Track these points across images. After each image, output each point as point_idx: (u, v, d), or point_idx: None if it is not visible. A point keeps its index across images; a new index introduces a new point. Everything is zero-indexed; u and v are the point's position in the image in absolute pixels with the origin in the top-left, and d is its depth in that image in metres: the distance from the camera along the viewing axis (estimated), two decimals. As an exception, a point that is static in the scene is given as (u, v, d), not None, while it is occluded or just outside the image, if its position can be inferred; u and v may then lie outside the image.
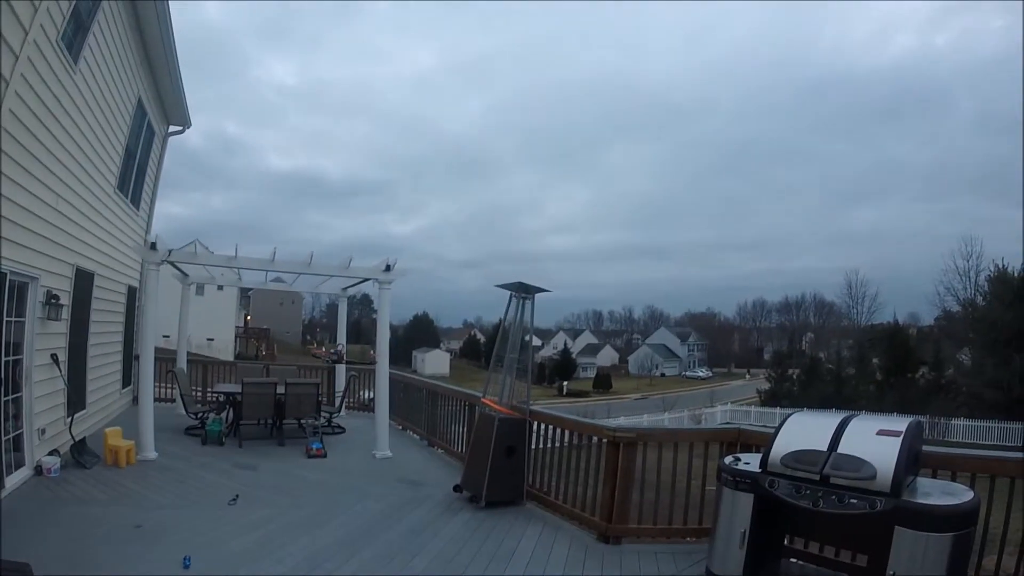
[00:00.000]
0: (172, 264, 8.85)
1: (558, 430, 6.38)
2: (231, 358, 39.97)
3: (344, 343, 12.37)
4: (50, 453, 6.61)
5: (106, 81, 7.63)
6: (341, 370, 11.88)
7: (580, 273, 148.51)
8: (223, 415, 9.32)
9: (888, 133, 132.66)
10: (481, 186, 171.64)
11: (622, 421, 26.16)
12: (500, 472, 6.19)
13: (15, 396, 5.92)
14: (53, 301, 6.49)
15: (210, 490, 6.45)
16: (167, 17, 8.67)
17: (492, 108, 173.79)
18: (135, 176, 9.95)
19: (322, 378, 11.85)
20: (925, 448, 3.92)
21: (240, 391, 9.06)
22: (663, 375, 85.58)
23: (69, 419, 7.17)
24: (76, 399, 7.46)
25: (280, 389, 9.23)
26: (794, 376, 44.59)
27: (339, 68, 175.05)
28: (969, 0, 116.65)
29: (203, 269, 10.66)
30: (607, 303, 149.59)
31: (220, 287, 28.46)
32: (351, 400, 11.92)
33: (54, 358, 6.77)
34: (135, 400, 10.68)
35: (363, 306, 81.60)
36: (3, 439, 5.54)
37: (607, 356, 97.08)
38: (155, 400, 8.30)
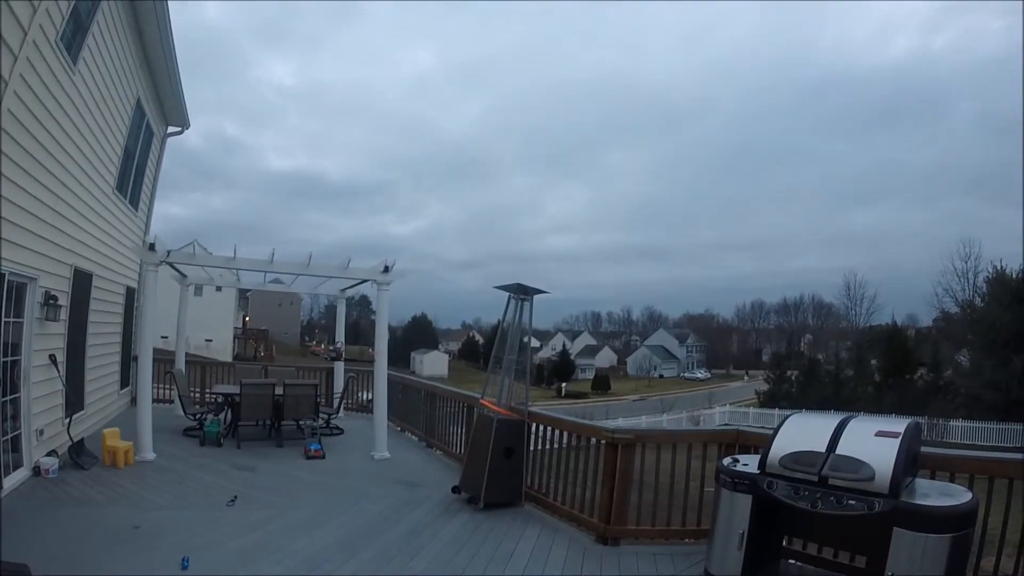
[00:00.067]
0: (171, 265, 8.84)
1: (556, 431, 6.37)
2: (229, 359, 39.89)
3: (343, 341, 12.38)
4: (48, 454, 6.60)
5: (105, 81, 7.62)
6: (339, 371, 11.88)
7: (579, 274, 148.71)
8: (221, 416, 9.31)
9: (887, 134, 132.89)
10: (480, 187, 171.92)
11: (620, 422, 26.16)
12: (498, 473, 6.18)
13: (13, 397, 5.91)
14: (51, 302, 6.48)
15: (208, 491, 6.44)
16: (166, 18, 8.68)
17: (491, 109, 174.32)
18: (134, 176, 9.94)
19: (320, 379, 11.85)
20: (923, 449, 3.93)
21: (238, 392, 9.05)
22: (661, 376, 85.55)
23: (67, 420, 7.16)
24: (74, 400, 7.45)
25: (278, 390, 9.22)
26: (792, 377, 44.53)
27: (338, 69, 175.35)
28: (968, 0, 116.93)
29: (202, 270, 10.65)
30: (606, 304, 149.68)
31: (219, 288, 28.52)
32: (349, 401, 11.90)
33: (52, 359, 6.76)
34: (133, 401, 10.67)
35: (362, 307, 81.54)
36: (1, 440, 5.54)
37: (606, 357, 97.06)
38: (153, 401, 8.30)
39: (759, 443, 4.72)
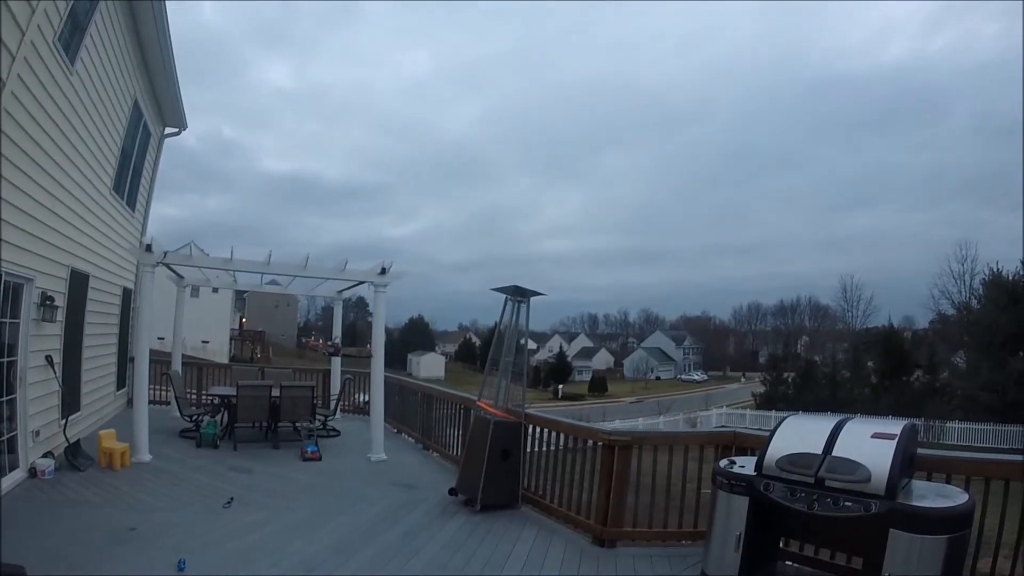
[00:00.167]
0: (167, 266, 8.83)
1: (553, 433, 6.37)
2: (226, 360, 39.82)
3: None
4: (44, 455, 6.57)
5: (103, 82, 7.62)
6: (336, 373, 11.87)
7: (576, 276, 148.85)
8: (218, 418, 9.28)
9: (884, 137, 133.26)
10: (477, 189, 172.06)
11: (617, 424, 26.17)
12: (495, 475, 6.18)
13: (9, 398, 5.89)
14: (48, 302, 6.47)
15: (204, 493, 6.43)
16: (164, 19, 8.67)
17: (489, 111, 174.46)
18: (131, 177, 9.93)
19: (317, 381, 11.83)
20: (920, 451, 3.94)
21: (235, 394, 9.02)
22: (658, 378, 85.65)
23: (63, 421, 7.15)
24: (70, 401, 7.44)
25: (275, 392, 9.21)
26: (789, 379, 44.60)
27: (336, 71, 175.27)
28: (965, 0, 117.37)
29: (198, 271, 10.64)
30: (602, 306, 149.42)
31: (215, 289, 28.39)
32: (346, 403, 11.88)
33: (49, 360, 6.75)
34: (130, 402, 10.62)
35: (358, 309, 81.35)
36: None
37: (602, 359, 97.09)
38: (150, 402, 8.26)
39: (756, 445, 4.72)
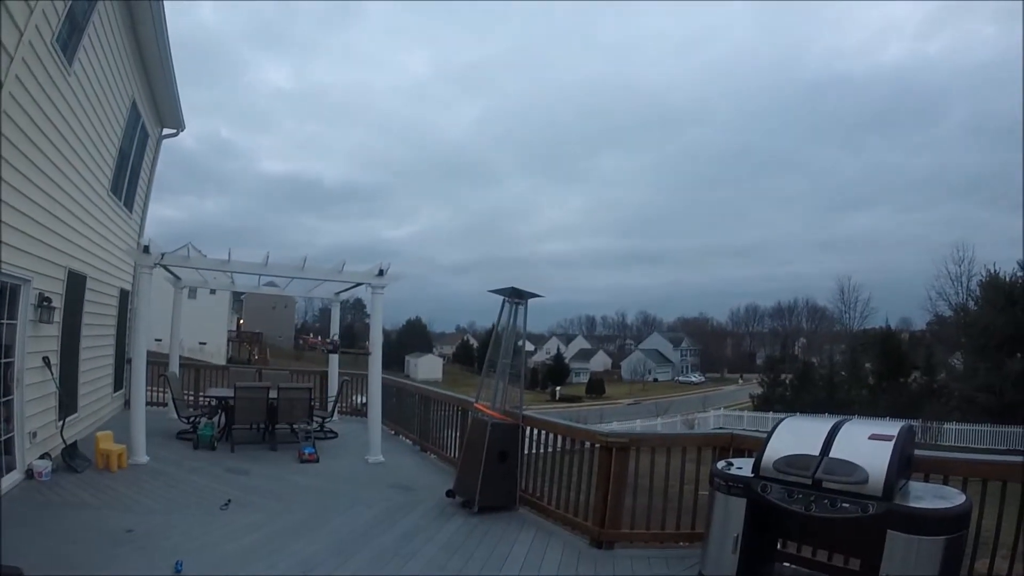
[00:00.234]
0: (165, 267, 8.82)
1: (551, 435, 6.37)
2: (223, 362, 39.81)
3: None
4: (41, 457, 6.56)
5: (101, 83, 7.61)
6: (334, 375, 11.86)
7: (573, 278, 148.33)
8: (215, 419, 9.29)
9: (881, 138, 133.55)
10: (475, 191, 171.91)
11: (615, 426, 26.16)
12: (493, 477, 6.18)
13: (6, 399, 5.89)
14: (45, 304, 6.45)
15: (202, 495, 6.43)
16: (162, 19, 8.66)
17: (487, 113, 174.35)
18: (128, 178, 9.91)
19: (315, 383, 11.82)
20: (917, 452, 3.95)
21: (232, 395, 9.02)
22: (656, 380, 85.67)
23: (60, 422, 7.13)
24: (68, 402, 7.42)
25: (273, 393, 9.19)
26: (787, 381, 44.69)
27: (334, 72, 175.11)
28: (963, 1, 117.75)
29: (196, 272, 10.63)
30: (600, 308, 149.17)
31: (213, 291, 28.47)
32: (343, 405, 11.88)
33: (46, 361, 6.73)
34: (127, 404, 10.60)
35: (356, 310, 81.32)
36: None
37: (600, 361, 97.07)
38: (147, 404, 8.26)
39: (753, 446, 4.72)
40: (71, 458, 6.91)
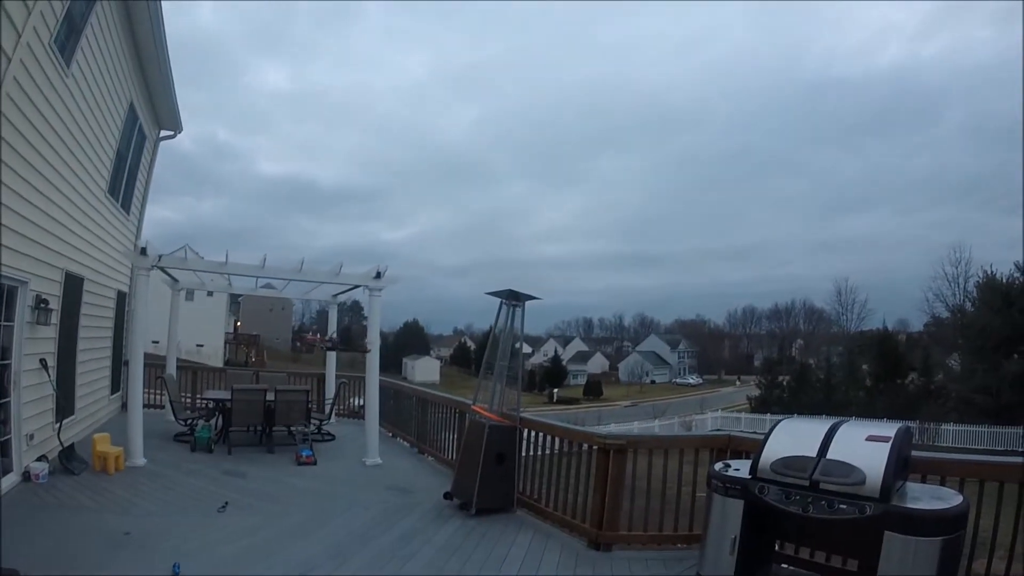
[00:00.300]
0: (162, 269, 8.81)
1: (548, 437, 6.38)
2: (221, 364, 39.77)
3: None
4: (38, 459, 6.54)
5: (98, 84, 7.61)
6: (331, 377, 11.85)
7: (570, 280, 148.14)
8: (212, 422, 9.27)
9: (879, 140, 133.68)
10: (473, 194, 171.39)
11: (612, 428, 26.15)
12: (490, 479, 6.18)
13: (3, 401, 5.88)
14: (42, 306, 6.44)
15: (199, 497, 6.41)
16: (160, 20, 8.67)
17: (485, 115, 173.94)
18: (126, 180, 9.90)
19: (312, 385, 11.82)
20: (914, 453, 3.95)
21: (230, 398, 9.00)
22: (653, 382, 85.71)
23: (58, 425, 7.11)
24: (65, 405, 7.40)
25: (270, 396, 9.18)
26: (784, 383, 44.77)
27: (332, 74, 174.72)
28: (960, 1, 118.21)
29: (193, 275, 10.62)
30: (597, 310, 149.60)
31: (210, 293, 28.38)
32: (341, 407, 11.87)
33: (43, 363, 6.72)
34: (124, 406, 10.59)
35: (353, 313, 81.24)
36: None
37: (597, 363, 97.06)
38: (144, 406, 8.24)
39: (751, 448, 4.73)
40: (68, 460, 6.90)
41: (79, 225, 7.75)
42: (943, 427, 30.05)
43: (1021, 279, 31.72)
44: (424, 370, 75.21)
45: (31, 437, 6.47)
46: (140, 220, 11.43)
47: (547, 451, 6.38)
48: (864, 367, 42.24)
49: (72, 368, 7.89)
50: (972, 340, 33.39)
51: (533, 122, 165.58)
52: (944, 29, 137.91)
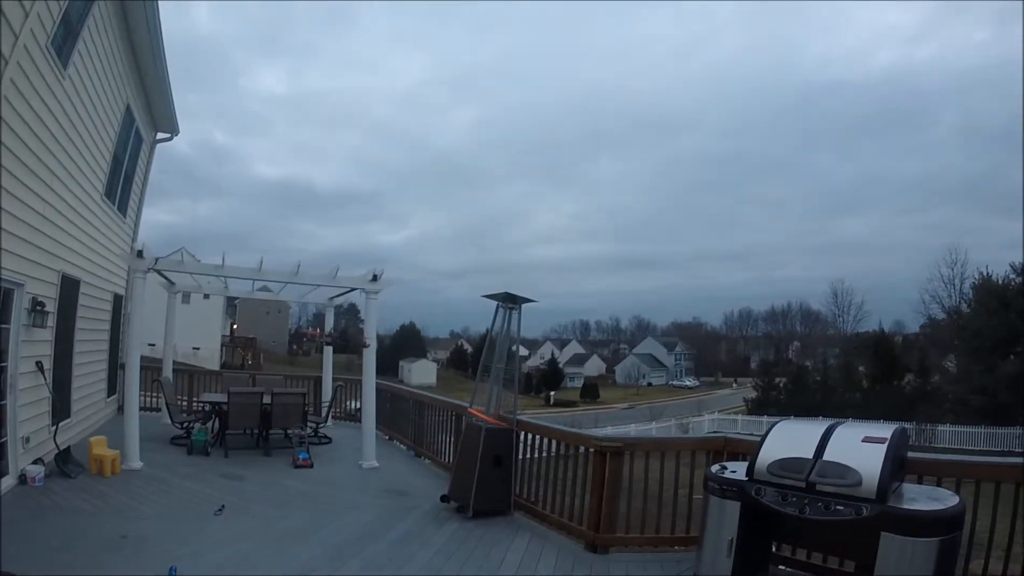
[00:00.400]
0: (158, 272, 8.79)
1: (545, 440, 6.38)
2: (217, 367, 39.68)
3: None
4: (34, 462, 6.52)
5: (95, 87, 7.60)
6: (328, 380, 11.83)
7: (567, 283, 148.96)
8: (209, 425, 9.24)
9: (874, 143, 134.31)
10: (469, 197, 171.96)
11: (609, 431, 26.16)
12: (487, 482, 6.17)
13: (-1, 404, 5.86)
14: (38, 308, 6.42)
15: (195, 500, 6.40)
16: (157, 23, 8.66)
17: (482, 119, 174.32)
18: (122, 183, 9.89)
19: (309, 388, 11.80)
20: (911, 454, 3.96)
21: (226, 401, 8.99)
22: (650, 385, 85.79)
23: (54, 428, 7.09)
24: (61, 407, 7.37)
25: (266, 399, 9.17)
26: (781, 385, 44.78)
27: (329, 78, 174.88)
28: (954, 1, 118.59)
29: (190, 277, 10.60)
30: (594, 313, 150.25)
31: (206, 296, 28.30)
32: (337, 410, 11.86)
33: (39, 366, 6.70)
34: (120, 409, 10.57)
35: (350, 315, 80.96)
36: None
37: (594, 366, 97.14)
38: (140, 409, 8.23)
39: (747, 450, 4.73)
40: (64, 463, 6.88)
41: (75, 227, 7.74)
42: (939, 428, 30.14)
43: (1017, 281, 31.82)
44: (421, 373, 75.12)
45: (27, 440, 6.44)
46: (137, 223, 11.42)
47: (544, 454, 6.39)
48: (860, 369, 42.33)
49: (68, 371, 7.86)
50: (968, 341, 33.46)
51: (530, 125, 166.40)
52: (938, 32, 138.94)
